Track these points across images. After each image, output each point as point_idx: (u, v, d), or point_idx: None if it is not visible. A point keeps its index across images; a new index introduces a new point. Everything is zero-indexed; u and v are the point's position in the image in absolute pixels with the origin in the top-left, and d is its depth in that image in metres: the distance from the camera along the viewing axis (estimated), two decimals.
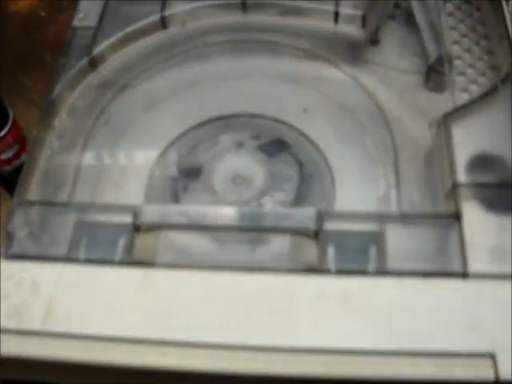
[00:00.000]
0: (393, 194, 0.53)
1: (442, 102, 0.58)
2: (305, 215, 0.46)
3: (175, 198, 0.52)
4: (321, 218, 0.46)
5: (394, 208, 0.52)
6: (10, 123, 0.66)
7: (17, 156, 0.68)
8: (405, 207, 0.52)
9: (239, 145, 0.55)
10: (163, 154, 0.55)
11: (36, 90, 0.81)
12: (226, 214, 0.46)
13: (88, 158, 0.54)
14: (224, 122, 0.57)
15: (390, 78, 0.59)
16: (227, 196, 0.52)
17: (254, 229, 0.45)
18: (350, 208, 0.52)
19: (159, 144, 0.55)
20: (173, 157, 0.55)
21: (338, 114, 0.57)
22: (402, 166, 0.54)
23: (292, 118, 0.57)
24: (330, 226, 0.46)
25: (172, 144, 0.55)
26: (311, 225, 0.45)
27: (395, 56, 0.61)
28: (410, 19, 0.63)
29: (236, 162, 0.54)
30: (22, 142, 0.68)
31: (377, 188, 0.53)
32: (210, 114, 0.57)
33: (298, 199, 0.52)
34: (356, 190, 0.53)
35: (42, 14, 0.89)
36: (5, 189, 0.71)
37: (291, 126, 0.56)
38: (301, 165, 0.54)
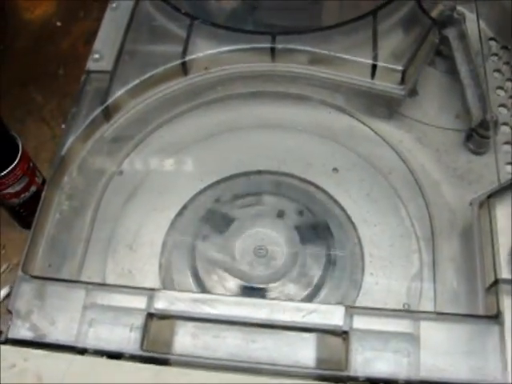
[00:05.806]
0: (426, 272, 0.49)
1: (483, 167, 0.53)
2: (333, 313, 0.42)
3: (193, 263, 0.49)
4: (350, 315, 0.42)
5: (426, 286, 0.48)
6: (19, 156, 0.62)
7: (26, 189, 0.65)
8: (438, 286, 0.48)
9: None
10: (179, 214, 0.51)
11: (48, 108, 0.77)
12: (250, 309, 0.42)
13: (99, 222, 0.50)
14: (246, 178, 0.53)
15: (427, 136, 0.55)
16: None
17: (277, 326, 0.42)
18: (381, 286, 0.49)
19: (177, 203, 0.52)
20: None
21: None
22: (438, 242, 0.50)
23: (320, 179, 0.52)
24: (360, 324, 0.42)
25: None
26: (340, 324, 0.42)
27: (434, 110, 0.56)
28: (450, 65, 0.57)
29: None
30: (31, 174, 0.65)
31: (410, 264, 0.49)
32: (231, 170, 0.53)
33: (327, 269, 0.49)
34: (387, 267, 0.49)
35: (58, 24, 0.84)
36: (15, 220, 0.68)
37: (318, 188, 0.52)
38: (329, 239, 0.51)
